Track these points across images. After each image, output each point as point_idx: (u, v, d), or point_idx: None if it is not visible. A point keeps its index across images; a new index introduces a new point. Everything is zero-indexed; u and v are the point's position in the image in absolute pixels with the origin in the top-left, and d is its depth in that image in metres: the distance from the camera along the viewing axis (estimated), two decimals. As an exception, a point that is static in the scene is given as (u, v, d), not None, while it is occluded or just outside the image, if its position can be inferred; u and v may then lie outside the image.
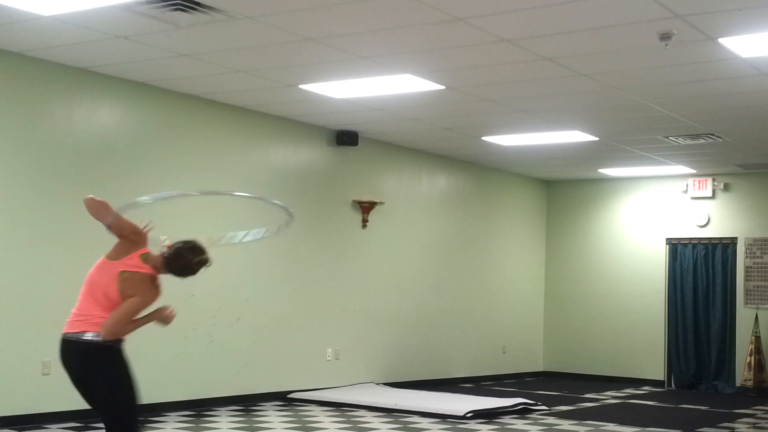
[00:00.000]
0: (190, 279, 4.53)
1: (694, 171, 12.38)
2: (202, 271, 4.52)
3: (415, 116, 9.42)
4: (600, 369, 13.29)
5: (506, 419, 8.85)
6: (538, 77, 7.54)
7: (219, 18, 6.14)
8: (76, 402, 7.55)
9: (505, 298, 13.16)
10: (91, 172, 7.88)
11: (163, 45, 6.93)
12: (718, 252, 12.57)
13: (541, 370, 13.80)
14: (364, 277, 10.77)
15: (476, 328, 12.53)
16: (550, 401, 10.16)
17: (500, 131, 10.10)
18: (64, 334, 4.36)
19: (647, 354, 12.95)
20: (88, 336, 4.26)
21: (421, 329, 11.57)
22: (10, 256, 7.33)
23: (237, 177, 9.21)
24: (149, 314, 4.42)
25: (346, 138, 10.21)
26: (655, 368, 12.88)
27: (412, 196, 11.52)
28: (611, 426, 8.69)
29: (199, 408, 8.62)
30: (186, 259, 4.42)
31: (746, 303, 12.32)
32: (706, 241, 12.66)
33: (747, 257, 12.38)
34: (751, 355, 11.94)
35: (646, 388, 12.45)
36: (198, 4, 5.86)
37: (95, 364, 4.28)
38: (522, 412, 9.31)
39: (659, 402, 10.92)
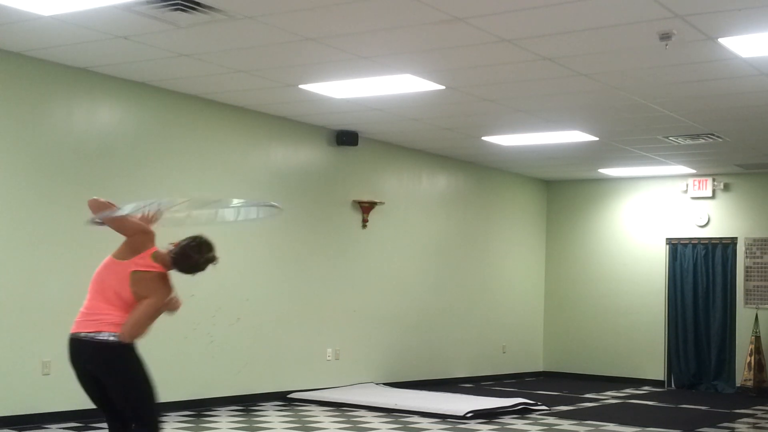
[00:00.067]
0: (198, 275, 4.58)
1: (694, 171, 12.38)
2: (210, 266, 4.56)
3: (415, 116, 9.42)
4: (600, 369, 13.29)
5: (506, 419, 8.85)
6: (538, 77, 7.54)
7: (219, 18, 6.14)
8: (76, 402, 7.59)
9: (505, 298, 13.15)
10: (91, 172, 7.88)
11: (163, 45, 6.93)
12: (718, 252, 12.57)
13: (541, 370, 13.80)
14: (364, 277, 10.77)
15: (476, 328, 12.53)
16: (550, 401, 10.16)
17: (500, 131, 10.10)
18: (75, 334, 4.35)
19: (647, 354, 12.95)
20: (104, 336, 4.28)
21: (421, 329, 11.57)
22: (10, 256, 7.33)
23: (237, 177, 9.21)
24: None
25: (346, 138, 10.21)
26: (655, 368, 12.88)
27: (412, 196, 11.52)
28: (611, 426, 8.69)
29: (199, 408, 8.62)
30: (192, 259, 4.46)
31: (746, 303, 12.32)
32: (706, 241, 12.66)
33: (747, 257, 12.38)
34: (751, 355, 11.94)
35: (646, 388, 12.45)
36: (198, 4, 5.86)
37: (113, 363, 4.31)
38: (522, 412, 9.31)
39: (659, 402, 10.92)
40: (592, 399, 10.88)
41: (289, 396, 9.59)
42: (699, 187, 12.68)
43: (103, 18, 6.26)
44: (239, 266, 9.08)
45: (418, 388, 10.86)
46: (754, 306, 12.24)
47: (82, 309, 4.39)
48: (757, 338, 11.97)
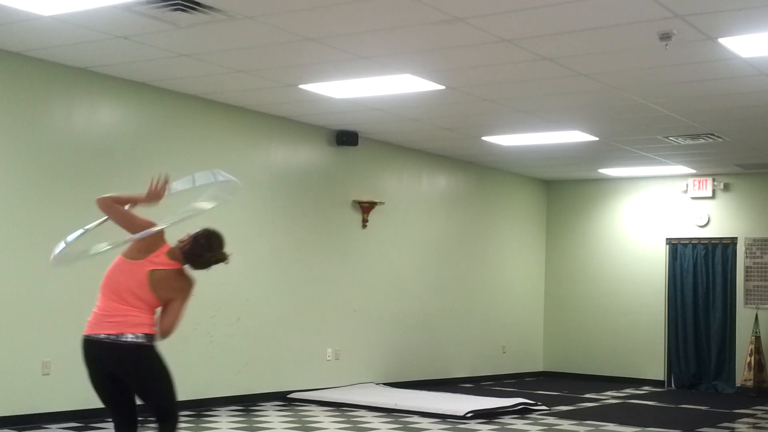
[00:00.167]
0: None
1: (694, 171, 12.38)
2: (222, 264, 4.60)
3: (415, 116, 9.42)
4: (600, 369, 13.29)
5: (506, 419, 8.85)
6: (538, 77, 7.54)
7: (219, 18, 6.14)
8: (76, 402, 7.62)
9: (505, 298, 13.15)
10: (91, 172, 7.88)
11: (163, 45, 6.93)
12: (718, 252, 12.57)
13: (541, 370, 13.80)
14: (364, 277, 10.77)
15: (476, 328, 12.53)
16: (550, 401, 10.16)
17: (500, 131, 10.10)
18: (94, 335, 4.34)
19: (647, 354, 12.95)
20: (128, 337, 4.31)
21: (421, 329, 11.57)
22: (10, 256, 7.33)
23: (237, 177, 9.10)
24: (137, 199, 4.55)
25: (346, 138, 10.21)
26: (655, 368, 12.88)
27: (412, 196, 11.52)
28: (611, 426, 8.69)
29: (199, 408, 8.62)
30: (203, 258, 4.47)
31: (746, 303, 12.32)
32: (706, 241, 12.66)
33: (747, 257, 12.38)
34: (751, 355, 11.94)
35: (646, 388, 12.45)
36: (198, 4, 5.86)
37: (140, 363, 4.35)
38: (522, 412, 9.31)
39: (659, 402, 10.92)
40: (592, 399, 10.88)
41: (289, 396, 9.59)
42: (699, 187, 12.68)
43: (103, 18, 6.26)
44: (239, 266, 9.06)
45: (418, 388, 10.86)
46: (754, 306, 12.24)
47: (96, 310, 4.39)
48: (757, 338, 11.97)
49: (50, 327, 7.54)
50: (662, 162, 11.69)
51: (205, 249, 4.46)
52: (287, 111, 9.36)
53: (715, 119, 8.99)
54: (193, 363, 8.66)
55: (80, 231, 4.61)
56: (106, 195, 4.51)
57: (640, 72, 7.28)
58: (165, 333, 4.44)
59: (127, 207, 4.54)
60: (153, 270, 4.35)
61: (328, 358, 10.25)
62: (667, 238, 12.96)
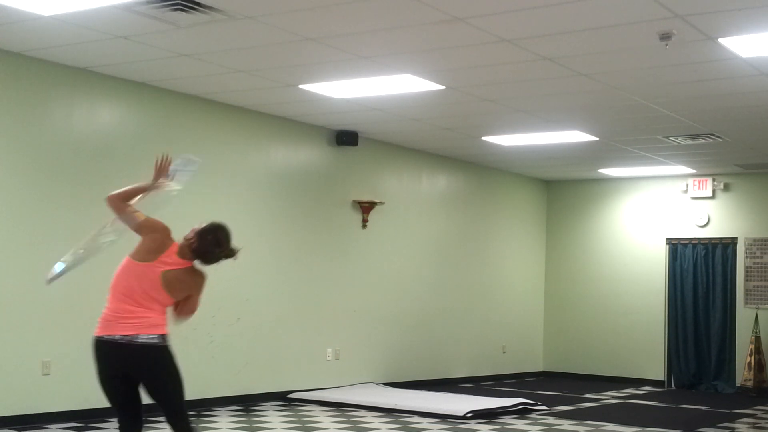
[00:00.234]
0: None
1: (694, 171, 12.38)
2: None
3: (415, 116, 9.42)
4: (600, 369, 13.29)
5: (506, 419, 8.85)
6: (538, 77, 7.54)
7: (219, 18, 6.14)
8: (76, 402, 7.62)
9: (505, 298, 13.15)
10: (91, 172, 7.87)
11: (163, 45, 6.93)
12: (718, 252, 12.57)
13: (541, 370, 13.80)
14: (364, 277, 10.77)
15: (476, 328, 12.53)
16: (550, 401, 10.16)
17: (500, 131, 10.10)
18: (108, 336, 4.34)
19: (647, 354, 12.95)
20: (144, 338, 4.34)
21: (421, 329, 11.57)
22: (10, 256, 7.33)
23: (237, 177, 9.21)
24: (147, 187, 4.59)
25: (346, 138, 10.21)
26: (655, 368, 12.88)
27: (412, 196, 11.52)
28: (611, 426, 8.69)
29: (199, 408, 8.62)
30: (213, 254, 4.49)
31: (746, 303, 12.32)
32: (706, 241, 12.66)
33: (747, 257, 12.38)
34: (751, 355, 11.94)
35: (646, 388, 12.45)
36: (198, 4, 5.86)
37: (157, 363, 4.39)
38: (522, 412, 9.31)
39: (659, 402, 10.92)
40: (592, 399, 10.88)
41: (289, 396, 9.59)
42: (699, 187, 12.69)
43: (103, 18, 6.26)
44: (239, 266, 9.05)
45: (418, 388, 10.86)
46: (754, 306, 12.24)
47: (108, 312, 4.38)
48: (757, 338, 11.97)
49: (50, 327, 7.54)
50: (662, 162, 11.69)
51: (214, 245, 4.47)
52: (287, 111, 9.36)
53: (715, 119, 8.99)
54: (193, 363, 8.65)
55: (64, 265, 4.62)
56: (114, 193, 4.49)
57: (640, 72, 7.28)
58: (183, 320, 4.55)
59: (137, 198, 4.53)
60: (166, 271, 4.36)
61: (328, 358, 10.25)
62: (667, 238, 12.96)
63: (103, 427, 7.39)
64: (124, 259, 4.43)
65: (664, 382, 12.80)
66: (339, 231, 10.42)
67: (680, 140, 10.06)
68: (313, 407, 9.20)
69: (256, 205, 9.37)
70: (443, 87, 7.97)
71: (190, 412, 8.74)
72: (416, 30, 6.31)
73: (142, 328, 4.32)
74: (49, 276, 4.66)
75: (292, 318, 9.78)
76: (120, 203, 4.46)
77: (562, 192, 13.95)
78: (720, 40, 6.27)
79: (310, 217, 10.05)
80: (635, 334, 13.05)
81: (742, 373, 12.06)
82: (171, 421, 4.46)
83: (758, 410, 10.31)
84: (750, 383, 11.89)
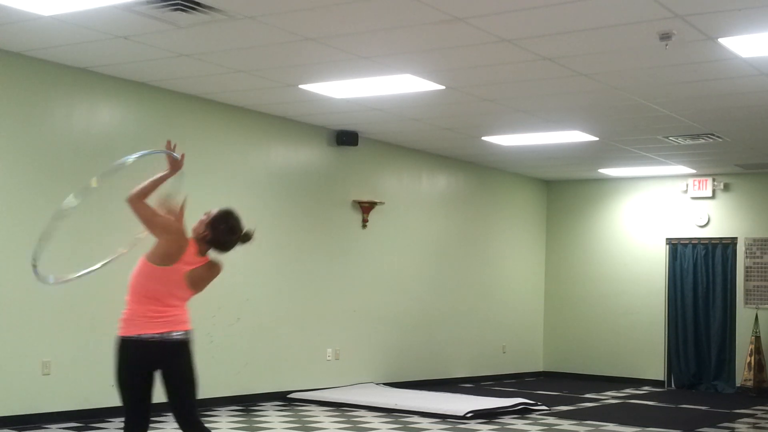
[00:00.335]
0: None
1: (694, 171, 12.38)
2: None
3: (415, 116, 9.42)
4: (600, 369, 13.29)
5: (506, 419, 8.85)
6: (538, 77, 7.54)
7: (219, 18, 6.14)
8: (76, 402, 7.63)
9: (505, 298, 13.15)
10: (91, 172, 7.76)
11: (163, 45, 6.93)
12: (718, 252, 12.57)
13: (541, 370, 13.80)
14: (364, 277, 10.77)
15: (476, 328, 12.53)
16: (550, 401, 10.16)
17: (500, 131, 10.10)
18: (137, 336, 4.30)
19: (647, 354, 12.95)
20: (177, 335, 4.35)
21: (421, 329, 11.57)
22: (10, 255, 7.32)
23: (237, 177, 9.21)
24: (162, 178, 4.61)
25: (346, 138, 10.21)
26: (655, 368, 12.89)
27: (412, 196, 11.52)
28: (611, 426, 8.69)
29: (199, 408, 8.58)
30: (230, 242, 4.48)
31: (746, 303, 12.32)
32: (706, 241, 12.67)
33: (747, 257, 12.38)
34: (751, 355, 11.94)
35: (646, 388, 12.45)
36: (198, 4, 5.86)
37: (186, 359, 4.41)
38: (522, 412, 9.31)
39: (659, 402, 10.92)
40: (592, 399, 10.88)
41: (289, 396, 9.59)
42: (699, 187, 12.69)
43: (103, 18, 6.26)
44: (239, 266, 9.07)
45: (418, 388, 10.86)
46: (754, 306, 12.24)
47: (131, 313, 4.33)
48: (757, 338, 11.97)
49: (50, 327, 7.54)
50: (662, 162, 11.69)
51: (229, 233, 4.46)
52: (287, 111, 9.36)
53: (715, 119, 8.99)
54: (193, 363, 8.66)
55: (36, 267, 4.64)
56: (134, 193, 4.43)
57: (640, 72, 7.28)
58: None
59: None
60: (189, 272, 4.36)
61: (328, 358, 10.25)
62: (667, 238, 12.96)
63: (103, 427, 7.39)
64: (140, 260, 4.37)
65: (664, 382, 12.80)
66: (339, 231, 10.43)
67: (680, 140, 10.06)
68: (313, 407, 9.20)
69: (256, 205, 9.37)
70: (443, 87, 7.97)
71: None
72: (416, 30, 6.31)
73: (174, 325, 4.34)
74: (51, 280, 4.66)
75: (292, 318, 9.78)
76: (140, 203, 4.40)
77: (562, 192, 13.95)
78: (720, 40, 6.27)
79: (310, 217, 10.05)
80: (635, 334, 13.05)
81: (742, 373, 12.06)
82: (185, 418, 4.45)
83: (758, 410, 10.31)
84: (750, 383, 11.89)
